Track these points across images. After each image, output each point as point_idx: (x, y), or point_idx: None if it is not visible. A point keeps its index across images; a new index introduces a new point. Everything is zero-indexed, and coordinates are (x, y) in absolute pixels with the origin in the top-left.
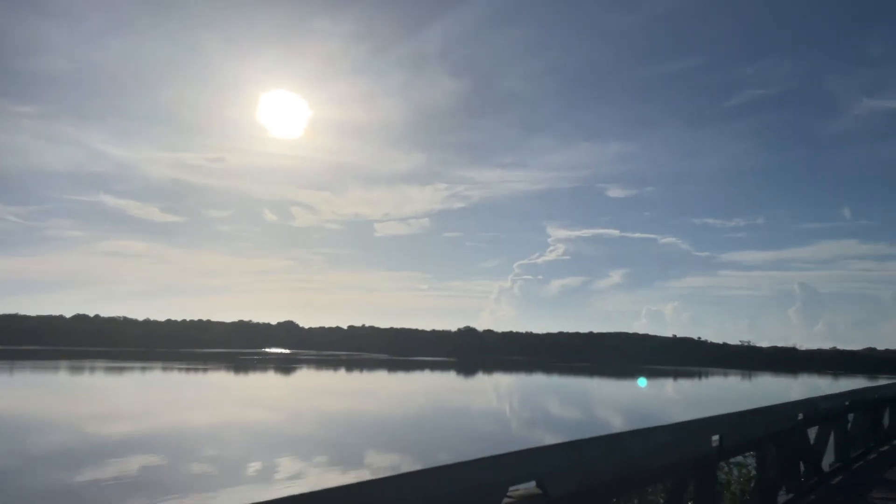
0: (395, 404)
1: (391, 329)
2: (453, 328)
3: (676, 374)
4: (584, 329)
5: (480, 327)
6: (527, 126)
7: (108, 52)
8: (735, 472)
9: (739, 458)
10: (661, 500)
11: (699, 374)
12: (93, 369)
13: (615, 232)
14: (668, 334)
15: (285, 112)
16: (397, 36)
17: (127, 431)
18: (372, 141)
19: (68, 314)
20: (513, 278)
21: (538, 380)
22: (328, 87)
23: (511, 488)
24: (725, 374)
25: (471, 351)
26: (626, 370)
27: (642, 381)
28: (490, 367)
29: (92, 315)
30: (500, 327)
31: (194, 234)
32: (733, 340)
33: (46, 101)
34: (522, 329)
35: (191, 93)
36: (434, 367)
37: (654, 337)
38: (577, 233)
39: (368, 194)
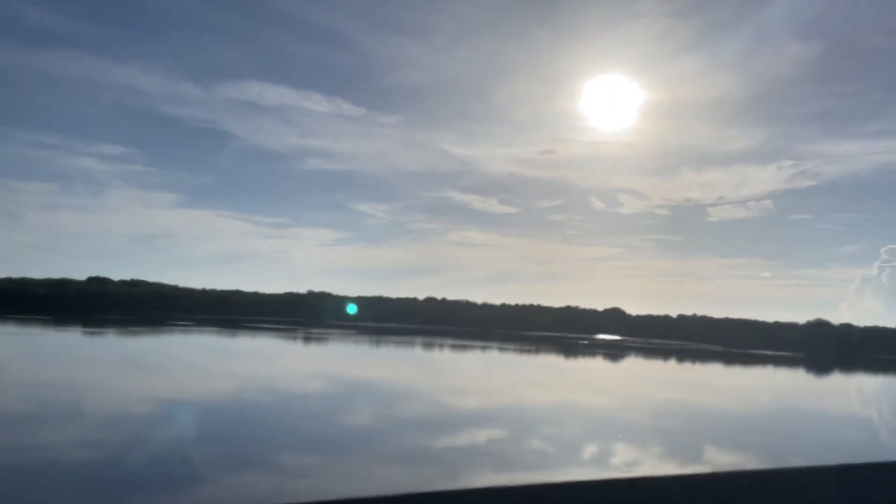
0: (735, 399)
1: (726, 319)
2: (801, 320)
3: None
4: None
5: (836, 320)
6: None
7: (454, 60)
8: None
9: None
10: None
11: None
12: (441, 346)
13: None
14: None
15: (612, 99)
16: (732, 6)
17: (472, 405)
18: (705, 120)
19: (421, 297)
20: (880, 265)
21: None
22: (656, 70)
23: None
24: None
25: (822, 347)
26: None
27: None
28: (849, 366)
29: (439, 298)
30: (861, 321)
31: (527, 223)
32: None
33: (406, 111)
34: (892, 325)
35: (523, 89)
36: (778, 361)
37: None
38: None
39: (701, 177)
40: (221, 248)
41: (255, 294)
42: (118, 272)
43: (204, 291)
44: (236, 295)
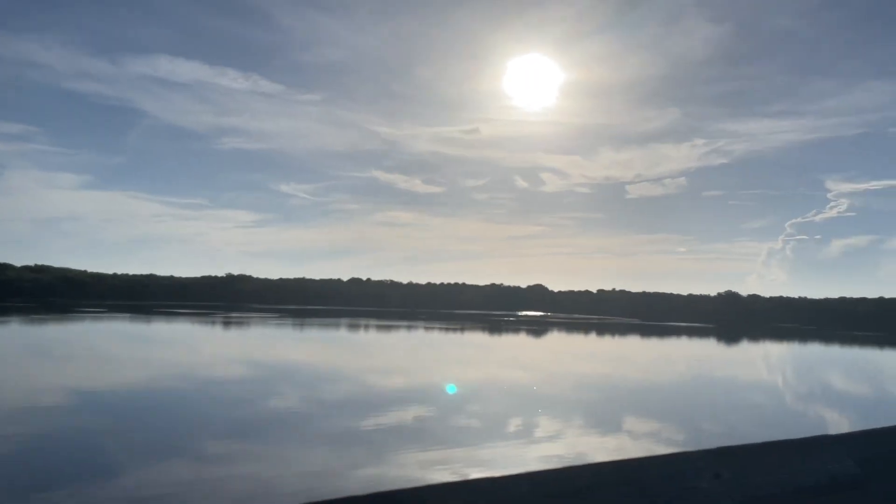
0: (652, 370)
1: (643, 293)
2: (712, 293)
3: None
4: (872, 294)
5: (745, 292)
6: (800, 69)
7: (375, 38)
8: None
9: None
10: None
11: None
12: (367, 327)
13: None
14: None
15: (534, 79)
16: None
17: (398, 385)
18: (622, 100)
19: (345, 278)
20: (784, 239)
21: (816, 350)
22: (576, 50)
23: None
24: None
25: (732, 317)
26: None
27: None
28: (756, 335)
29: (364, 279)
30: (767, 292)
31: (452, 203)
32: None
33: (326, 89)
34: (795, 295)
35: (446, 68)
36: (691, 332)
37: None
38: (865, 185)
39: (619, 156)
40: (134, 231)
41: (171, 278)
42: (20, 258)
43: (115, 276)
44: (150, 279)
